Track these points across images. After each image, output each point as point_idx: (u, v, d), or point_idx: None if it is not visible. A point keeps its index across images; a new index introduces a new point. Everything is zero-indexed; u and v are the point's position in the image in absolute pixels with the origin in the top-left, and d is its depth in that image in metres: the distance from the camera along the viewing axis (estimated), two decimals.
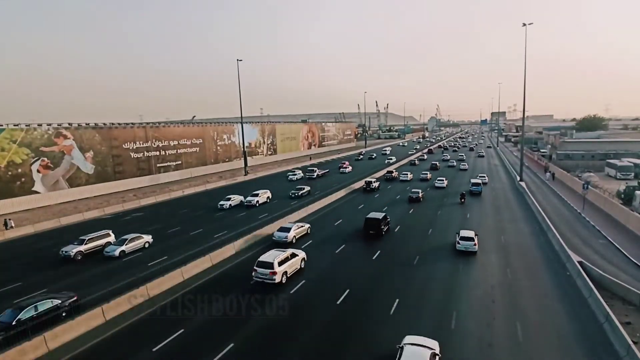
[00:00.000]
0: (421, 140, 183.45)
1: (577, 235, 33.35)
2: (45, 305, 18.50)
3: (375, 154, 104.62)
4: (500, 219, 37.75)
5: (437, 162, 76.60)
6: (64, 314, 18.66)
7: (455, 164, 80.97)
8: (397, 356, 14.07)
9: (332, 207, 43.40)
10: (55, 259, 28.02)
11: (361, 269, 25.11)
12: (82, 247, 28.17)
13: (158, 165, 64.41)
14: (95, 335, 17.53)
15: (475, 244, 27.47)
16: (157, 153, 64.24)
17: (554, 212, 40.98)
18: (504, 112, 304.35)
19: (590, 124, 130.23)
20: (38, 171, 47.48)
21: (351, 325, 18.20)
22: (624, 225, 35.35)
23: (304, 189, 50.66)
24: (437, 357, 14.65)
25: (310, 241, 30.63)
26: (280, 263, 22.49)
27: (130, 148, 59.61)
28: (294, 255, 24.06)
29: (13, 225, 37.02)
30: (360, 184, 55.50)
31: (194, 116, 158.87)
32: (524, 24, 52.50)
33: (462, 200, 44.33)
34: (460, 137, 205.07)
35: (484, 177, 59.25)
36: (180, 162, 68.61)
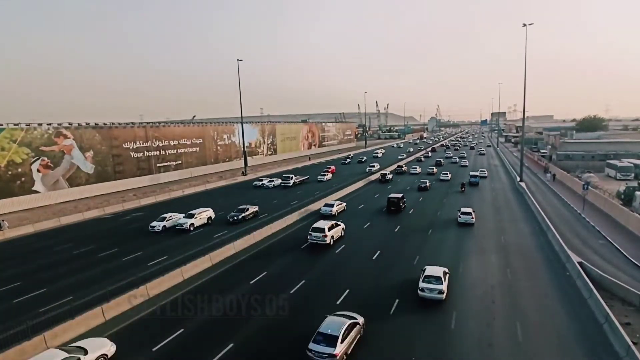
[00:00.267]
0: (418, 141, 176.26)
1: (577, 236, 33.36)
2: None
3: (365, 157, 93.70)
4: (500, 219, 37.76)
5: (441, 159, 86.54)
6: None
7: (457, 160, 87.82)
8: (421, 275, 21.03)
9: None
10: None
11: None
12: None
13: (158, 165, 64.41)
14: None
15: (473, 217, 34.95)
16: (157, 153, 64.24)
17: (554, 213, 40.99)
18: (504, 113, 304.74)
19: (590, 124, 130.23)
20: (38, 171, 47.48)
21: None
22: (624, 226, 35.36)
23: (247, 210, 37.79)
24: (447, 275, 21.52)
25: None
26: (329, 229, 29.45)
27: (130, 148, 59.60)
28: (337, 225, 31.07)
29: (7, 226, 36.21)
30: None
31: (194, 116, 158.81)
32: (524, 24, 52.48)
33: (463, 189, 51.98)
34: (461, 137, 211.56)
35: (484, 171, 66.17)
36: (180, 162, 68.61)
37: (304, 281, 23.05)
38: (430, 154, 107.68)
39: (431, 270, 21.15)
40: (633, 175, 59.62)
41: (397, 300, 20.25)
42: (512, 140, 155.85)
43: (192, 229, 34.59)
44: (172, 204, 47.86)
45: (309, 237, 29.39)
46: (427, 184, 53.41)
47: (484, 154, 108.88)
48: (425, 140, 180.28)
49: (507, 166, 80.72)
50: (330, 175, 65.00)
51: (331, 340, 14.92)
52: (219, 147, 78.60)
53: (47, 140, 48.64)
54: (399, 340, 16.94)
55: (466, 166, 79.18)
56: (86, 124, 54.46)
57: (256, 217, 38.17)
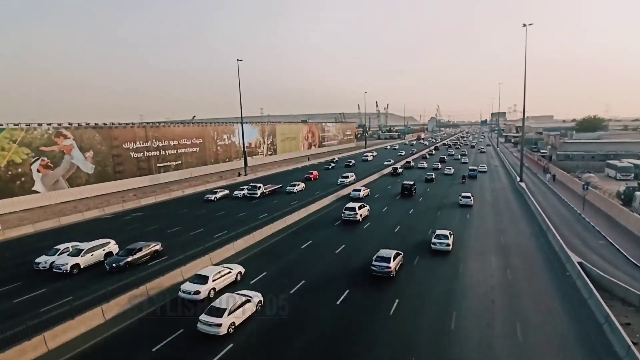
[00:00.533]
0: (414, 142, 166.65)
1: (577, 236, 33.37)
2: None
3: (353, 161, 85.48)
4: (500, 220, 37.80)
5: (445, 156, 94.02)
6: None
7: (459, 157, 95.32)
8: (432, 238, 28.17)
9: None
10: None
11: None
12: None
13: (158, 165, 64.40)
14: (95, 335, 17.54)
15: (471, 200, 43.18)
16: (157, 153, 64.23)
17: (554, 213, 41.01)
18: (504, 113, 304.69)
19: (590, 124, 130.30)
20: (38, 171, 47.47)
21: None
22: (624, 226, 35.37)
23: (138, 250, 26.59)
24: (452, 235, 29.03)
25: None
26: (359, 208, 37.22)
27: (130, 148, 59.59)
28: (364, 206, 38.96)
29: (0, 228, 35.52)
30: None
31: (194, 116, 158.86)
32: (524, 25, 52.49)
33: (463, 180, 59.83)
34: (461, 137, 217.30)
35: (484, 166, 75.05)
36: (180, 162, 68.60)
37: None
38: (433, 152, 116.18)
39: (440, 231, 29.12)
40: (633, 175, 59.63)
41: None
42: (512, 140, 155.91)
43: (74, 272, 24.95)
44: (172, 204, 47.87)
45: (342, 215, 36.89)
46: (433, 177, 61.58)
47: (484, 152, 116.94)
48: (422, 142, 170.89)
49: (507, 166, 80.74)
50: (302, 185, 54.36)
51: (386, 260, 23.75)
52: (219, 147, 78.60)
53: (47, 141, 48.64)
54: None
55: (467, 162, 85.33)
56: (86, 124, 54.46)
57: (155, 258, 27.22)
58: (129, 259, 25.69)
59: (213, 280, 21.32)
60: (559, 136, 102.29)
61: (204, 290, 20.69)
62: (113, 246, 28.00)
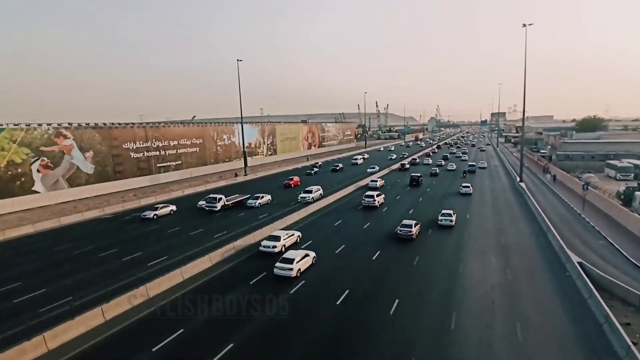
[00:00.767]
0: (410, 144, 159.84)
1: (576, 236, 33.37)
2: None
3: (341, 164, 78.31)
4: (500, 220, 37.82)
5: (448, 154, 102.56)
6: None
7: (460, 155, 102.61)
8: (439, 215, 35.19)
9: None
10: None
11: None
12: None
13: (158, 165, 64.40)
14: (95, 335, 17.53)
15: (470, 189, 50.03)
16: (157, 153, 64.23)
17: (554, 213, 41.02)
18: (504, 113, 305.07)
19: (590, 124, 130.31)
20: (38, 171, 47.47)
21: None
22: (624, 226, 35.36)
23: None
24: (455, 214, 35.95)
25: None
26: (377, 196, 44.07)
27: (130, 148, 59.60)
28: (380, 194, 45.92)
29: None
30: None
31: (194, 116, 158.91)
32: (524, 25, 52.51)
33: (464, 175, 65.53)
34: (462, 137, 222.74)
35: (484, 163, 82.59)
36: (180, 162, 68.61)
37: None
38: (436, 150, 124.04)
39: (445, 211, 36.08)
40: (633, 175, 59.64)
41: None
42: (512, 140, 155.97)
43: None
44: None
45: (362, 201, 43.71)
46: (437, 171, 69.39)
47: (484, 151, 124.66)
48: (418, 143, 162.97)
49: (507, 166, 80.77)
50: (268, 198, 46.23)
51: (409, 226, 31.10)
52: (218, 148, 78.60)
53: (47, 141, 48.64)
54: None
55: (467, 160, 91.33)
56: (86, 124, 54.47)
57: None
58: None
59: (283, 239, 28.53)
60: (559, 136, 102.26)
61: (279, 245, 27.83)
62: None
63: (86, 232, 36.04)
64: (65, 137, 50.78)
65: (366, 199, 43.42)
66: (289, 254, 24.55)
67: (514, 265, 25.78)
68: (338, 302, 20.66)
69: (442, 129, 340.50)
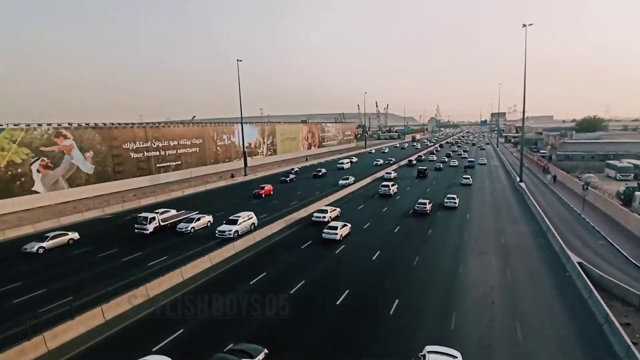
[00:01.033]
0: (405, 146, 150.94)
1: (576, 236, 33.37)
2: None
3: (324, 170, 70.51)
4: (500, 220, 37.84)
5: (450, 152, 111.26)
6: None
7: (461, 153, 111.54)
8: (445, 198, 39.12)
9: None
10: None
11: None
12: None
13: (158, 165, 64.39)
14: (95, 335, 17.53)
15: (470, 180, 58.13)
16: (157, 153, 64.22)
17: (554, 213, 41.03)
18: (504, 113, 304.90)
19: (590, 124, 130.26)
20: (38, 171, 47.46)
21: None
22: (624, 226, 35.36)
23: None
24: (458, 198, 43.08)
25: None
26: (392, 185, 51.25)
27: (130, 148, 59.59)
28: (395, 184, 53.14)
29: None
30: None
31: (194, 116, 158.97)
32: (524, 25, 52.54)
33: (465, 169, 73.31)
34: (462, 137, 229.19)
35: (484, 159, 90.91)
36: (180, 162, 68.59)
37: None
38: (439, 149, 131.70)
39: (450, 195, 44.27)
40: (633, 175, 59.64)
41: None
42: (512, 140, 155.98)
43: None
44: (171, 204, 47.84)
45: (379, 190, 50.61)
46: (441, 166, 77.83)
47: (483, 149, 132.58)
48: (414, 145, 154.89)
49: (507, 166, 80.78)
50: (208, 220, 36.11)
51: (424, 204, 39.60)
52: (218, 148, 78.58)
53: (47, 141, 48.63)
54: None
55: (467, 157, 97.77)
56: (86, 124, 54.46)
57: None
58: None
59: (330, 212, 37.32)
60: (559, 136, 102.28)
61: (327, 216, 36.43)
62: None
63: (86, 232, 36.01)
64: (65, 137, 50.77)
65: (382, 188, 50.66)
66: (333, 223, 32.40)
67: (514, 266, 25.79)
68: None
69: (442, 129, 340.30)
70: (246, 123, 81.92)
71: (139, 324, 18.82)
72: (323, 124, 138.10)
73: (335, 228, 31.07)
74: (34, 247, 29.64)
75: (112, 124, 58.28)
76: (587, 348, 16.43)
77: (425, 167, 69.53)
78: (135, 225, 34.16)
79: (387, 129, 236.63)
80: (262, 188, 51.62)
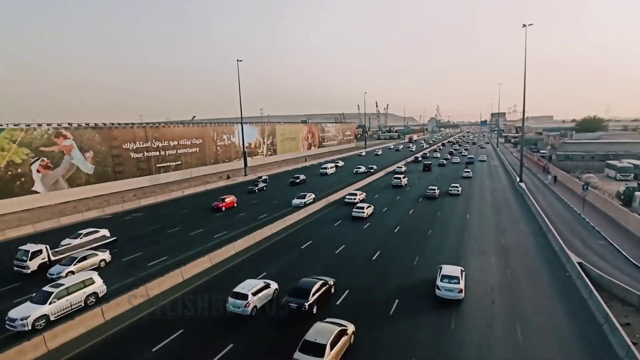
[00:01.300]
0: (400, 147, 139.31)
1: (576, 236, 33.35)
2: None
3: (303, 175, 63.09)
4: (500, 220, 37.80)
5: (453, 150, 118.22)
6: None
7: (462, 151, 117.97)
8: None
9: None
10: None
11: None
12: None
13: (158, 165, 64.41)
14: (95, 335, 17.53)
15: (470, 174, 66.04)
16: (157, 153, 64.24)
17: (554, 213, 41.00)
18: (504, 113, 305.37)
19: (590, 125, 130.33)
20: (38, 171, 47.48)
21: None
22: (624, 226, 35.35)
23: None
24: (460, 187, 51.11)
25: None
26: (403, 178, 58.26)
27: (130, 148, 59.60)
28: (405, 176, 60.82)
29: None
30: None
31: (194, 116, 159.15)
32: (524, 25, 52.51)
33: (466, 165, 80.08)
34: (462, 136, 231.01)
35: (484, 157, 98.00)
36: (180, 162, 68.61)
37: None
38: (442, 147, 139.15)
39: (453, 184, 52.38)
40: (632, 175, 59.65)
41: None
42: (512, 140, 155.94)
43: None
44: (172, 204, 47.77)
45: (392, 182, 57.79)
46: (445, 162, 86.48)
47: (483, 148, 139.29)
48: (409, 146, 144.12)
49: (507, 166, 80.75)
50: (99, 259, 26.62)
51: (433, 190, 48.73)
52: (218, 148, 78.60)
53: (47, 141, 48.64)
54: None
55: (467, 155, 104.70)
56: (86, 124, 54.48)
57: None
58: None
59: (359, 195, 46.40)
60: (559, 136, 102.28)
61: (357, 198, 45.31)
62: None
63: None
64: (65, 137, 50.79)
65: (395, 180, 57.60)
66: (360, 204, 40.44)
67: (514, 266, 25.78)
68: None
69: (441, 129, 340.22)
70: (246, 123, 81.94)
71: (139, 324, 18.82)
72: (323, 124, 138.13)
73: (362, 208, 38.79)
74: (62, 271, 23.98)
75: (112, 124, 58.30)
76: (587, 348, 16.43)
77: (430, 162, 79.15)
78: (15, 262, 26.17)
79: (387, 129, 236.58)
80: (223, 200, 44.18)
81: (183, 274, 23.58)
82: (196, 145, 72.40)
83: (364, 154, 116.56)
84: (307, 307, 18.39)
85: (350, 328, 16.48)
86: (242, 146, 79.17)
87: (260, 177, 65.82)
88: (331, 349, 14.59)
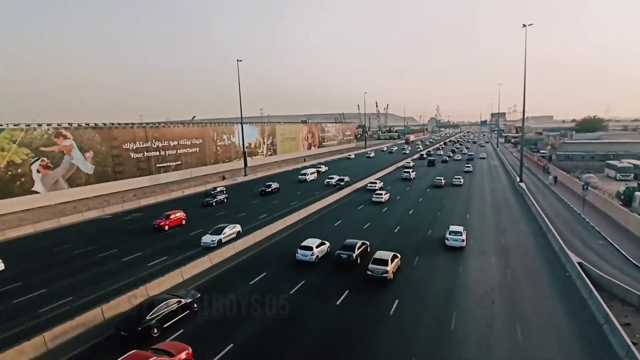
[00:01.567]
0: (394, 150, 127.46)
1: (576, 236, 33.35)
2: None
3: (276, 185, 53.99)
4: (500, 220, 37.80)
5: (454, 149, 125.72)
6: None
7: (464, 150, 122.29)
8: (452, 179, 58.71)
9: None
10: None
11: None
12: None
13: (158, 165, 64.41)
14: (95, 335, 17.51)
15: (471, 168, 74.20)
16: (157, 153, 64.24)
17: (554, 213, 41.00)
18: (504, 113, 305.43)
19: (590, 125, 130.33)
20: (38, 171, 47.47)
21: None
22: (624, 226, 35.35)
23: None
24: (462, 178, 60.17)
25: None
26: (412, 172, 66.62)
27: (130, 148, 59.60)
28: (414, 170, 69.18)
29: None
30: None
31: (194, 116, 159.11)
32: (524, 25, 52.49)
33: (467, 161, 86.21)
34: (463, 136, 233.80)
35: (484, 154, 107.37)
36: (180, 162, 68.61)
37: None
38: (444, 146, 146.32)
39: (456, 176, 60.77)
40: (632, 175, 59.64)
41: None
42: (512, 140, 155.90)
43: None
44: (172, 204, 47.77)
45: (401, 175, 65.09)
46: (447, 159, 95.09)
47: (483, 146, 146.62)
48: (404, 148, 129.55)
49: (507, 166, 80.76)
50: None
51: (440, 180, 57.92)
52: (218, 148, 78.60)
53: (47, 141, 48.64)
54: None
55: (467, 152, 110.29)
56: (86, 124, 54.47)
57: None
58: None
59: (379, 183, 55.53)
60: (559, 136, 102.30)
61: (377, 186, 54.18)
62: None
63: (86, 232, 36.03)
64: (65, 137, 50.78)
65: (404, 174, 65.15)
66: (379, 190, 49.60)
67: (514, 266, 25.77)
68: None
69: (442, 129, 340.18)
70: (246, 123, 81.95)
71: None
72: (323, 124, 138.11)
73: (381, 193, 47.02)
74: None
75: (112, 124, 58.30)
76: (587, 348, 16.42)
77: (434, 158, 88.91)
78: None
79: (387, 129, 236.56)
80: (168, 217, 36.13)
81: (183, 274, 23.60)
82: (196, 146, 72.40)
83: (352, 156, 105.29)
84: (354, 257, 25.47)
85: (399, 256, 25.30)
86: (242, 146, 79.17)
87: (214, 188, 53.70)
88: (391, 262, 23.58)
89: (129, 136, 59.61)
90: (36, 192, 47.31)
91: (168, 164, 66.23)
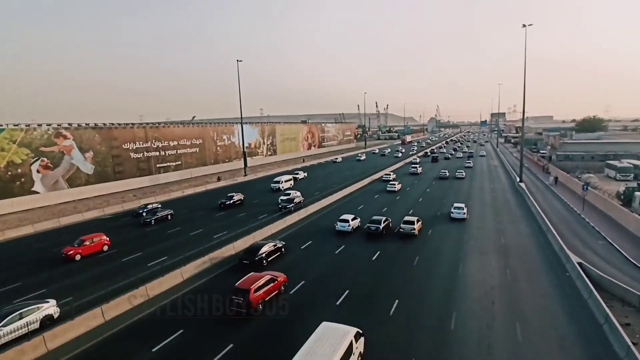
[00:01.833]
0: (387, 152, 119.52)
1: (576, 236, 33.37)
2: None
3: (240, 196, 46.35)
4: (500, 220, 37.81)
5: (456, 147, 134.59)
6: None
7: (465, 148, 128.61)
8: (455, 172, 68.98)
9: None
10: None
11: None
12: None
13: (158, 165, 64.40)
14: (95, 335, 17.53)
15: (471, 163, 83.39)
16: (157, 153, 64.23)
17: (554, 213, 41.02)
18: (504, 113, 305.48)
19: (590, 125, 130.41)
20: (38, 171, 47.47)
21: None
22: (624, 226, 35.37)
23: None
24: (464, 172, 68.88)
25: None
26: (419, 167, 75.00)
27: (130, 148, 59.59)
28: (421, 165, 77.51)
29: None
30: None
31: (194, 116, 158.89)
32: (524, 25, 52.57)
33: (468, 158, 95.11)
34: (463, 136, 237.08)
35: (484, 153, 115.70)
36: (180, 162, 68.60)
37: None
38: (446, 145, 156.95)
39: (459, 170, 70.46)
40: (632, 175, 59.67)
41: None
42: (512, 140, 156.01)
43: None
44: (172, 204, 47.75)
45: (410, 170, 72.87)
46: (449, 156, 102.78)
47: (483, 145, 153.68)
48: (398, 150, 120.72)
49: (507, 167, 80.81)
50: None
51: (445, 172, 68.12)
52: (218, 148, 78.60)
53: (47, 141, 48.63)
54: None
55: (467, 151, 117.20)
56: (86, 124, 54.46)
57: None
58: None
59: (393, 175, 64.39)
60: (559, 136, 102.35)
61: (391, 177, 62.61)
62: None
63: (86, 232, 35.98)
64: (65, 137, 50.78)
65: (412, 169, 73.10)
66: (393, 181, 56.91)
67: (514, 266, 25.78)
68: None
69: (441, 129, 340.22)
70: (246, 123, 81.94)
71: (139, 324, 18.80)
72: (323, 124, 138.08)
73: (395, 183, 54.63)
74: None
75: (112, 124, 58.29)
76: (587, 348, 16.43)
77: (437, 155, 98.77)
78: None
79: (387, 129, 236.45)
80: (82, 242, 28.63)
81: (183, 274, 23.60)
82: (196, 146, 72.40)
83: (339, 160, 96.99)
84: (380, 229, 32.08)
85: (421, 220, 34.44)
86: (242, 146, 79.17)
87: (147, 205, 42.72)
88: (417, 223, 32.75)
89: (128, 136, 59.60)
90: (36, 192, 47.30)
91: (168, 164, 66.22)
